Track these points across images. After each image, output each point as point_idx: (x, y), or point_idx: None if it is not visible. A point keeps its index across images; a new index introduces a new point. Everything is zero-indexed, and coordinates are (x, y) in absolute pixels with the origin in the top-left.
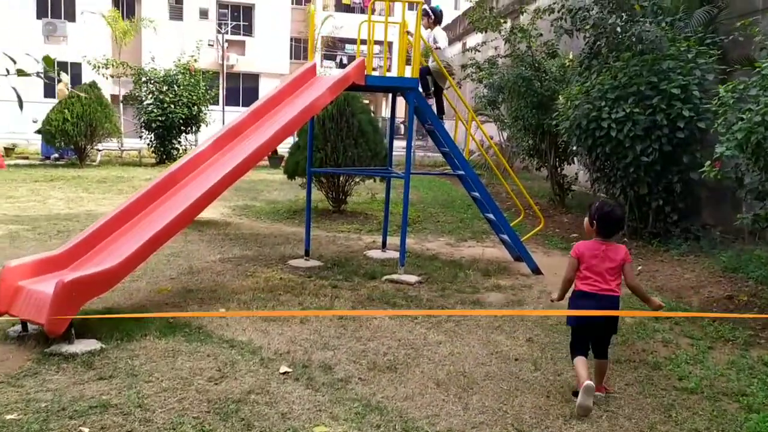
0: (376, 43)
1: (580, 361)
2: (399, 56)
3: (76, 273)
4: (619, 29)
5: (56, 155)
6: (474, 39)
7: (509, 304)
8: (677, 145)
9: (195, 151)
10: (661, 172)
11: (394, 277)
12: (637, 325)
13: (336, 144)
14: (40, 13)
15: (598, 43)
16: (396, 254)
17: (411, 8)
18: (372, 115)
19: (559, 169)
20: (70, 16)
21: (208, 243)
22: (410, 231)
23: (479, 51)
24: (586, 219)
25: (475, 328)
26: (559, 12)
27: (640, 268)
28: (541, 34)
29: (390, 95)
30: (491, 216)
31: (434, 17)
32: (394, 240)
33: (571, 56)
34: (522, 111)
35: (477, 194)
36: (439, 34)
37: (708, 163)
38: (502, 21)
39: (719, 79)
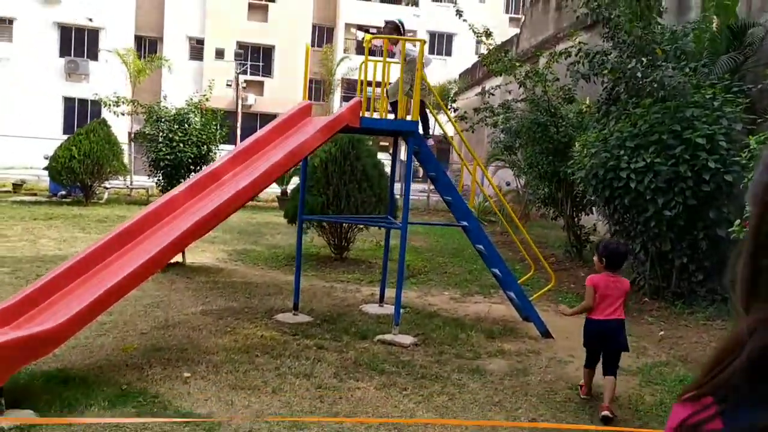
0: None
1: (588, 372)
2: (399, 97)
3: (10, 334)
4: (639, 74)
5: (63, 192)
6: (492, 83)
7: (513, 374)
8: (702, 198)
9: (169, 195)
10: (685, 227)
11: (387, 337)
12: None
13: (339, 188)
14: (63, 52)
15: (617, 88)
16: (393, 309)
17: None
18: (378, 158)
19: (576, 219)
20: (93, 55)
21: (194, 292)
22: (414, 282)
23: (494, 95)
24: (595, 257)
25: (471, 404)
26: (576, 56)
27: (662, 333)
28: (558, 79)
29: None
30: (497, 271)
31: (402, 30)
32: (394, 293)
33: (588, 102)
34: (537, 158)
35: (481, 247)
36: (416, 54)
37: (738, 222)
38: (518, 65)
39: (747, 130)
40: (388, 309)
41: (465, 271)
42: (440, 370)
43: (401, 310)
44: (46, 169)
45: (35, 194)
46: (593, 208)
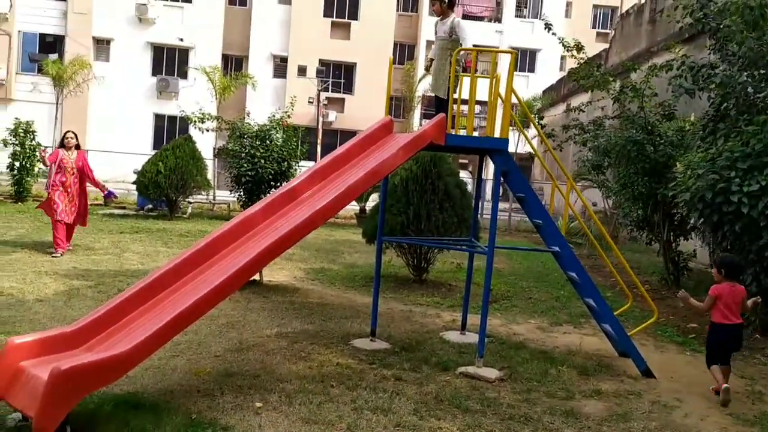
0: (478, 102)
1: (717, 368)
2: (488, 114)
3: (78, 359)
4: (751, 89)
5: (149, 206)
6: (578, 99)
7: (612, 419)
8: None
9: (245, 213)
10: None
11: (471, 370)
12: None
13: (419, 208)
14: (155, 70)
15: (726, 104)
16: (477, 338)
17: None
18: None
19: (674, 244)
20: (182, 74)
21: (270, 312)
22: (497, 309)
23: (583, 111)
24: (714, 269)
25: None
26: (678, 69)
27: None
28: (656, 94)
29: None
30: (591, 301)
31: (448, 1)
32: (477, 319)
33: (692, 118)
34: (631, 178)
35: (574, 274)
36: (461, 24)
37: None
38: (611, 79)
39: None
40: (471, 337)
41: (551, 297)
42: (529, 410)
43: (485, 340)
44: (134, 183)
45: (124, 207)
46: (693, 234)
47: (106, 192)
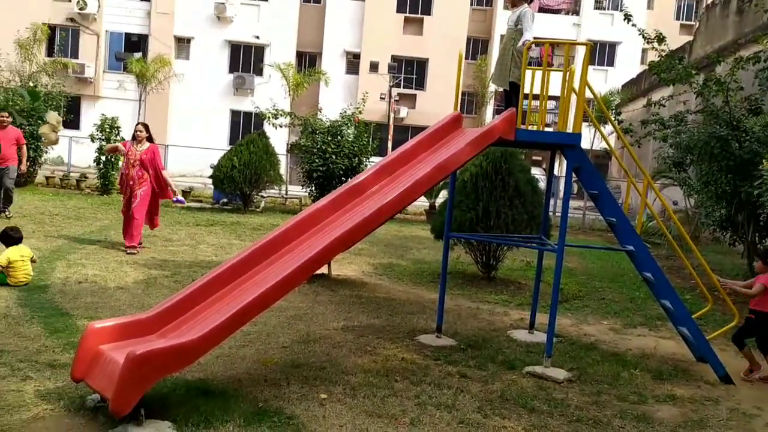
0: (551, 98)
1: (749, 349)
2: (561, 108)
3: (152, 344)
4: None
5: (224, 200)
6: (659, 94)
7: (687, 425)
8: None
9: (312, 207)
10: None
11: (538, 370)
12: None
13: (489, 204)
14: (232, 68)
15: None
16: (545, 338)
17: None
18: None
19: (759, 246)
20: (258, 71)
21: (337, 305)
22: (568, 309)
23: (664, 106)
24: (759, 262)
25: None
26: (766, 62)
27: None
28: (742, 88)
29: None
30: (668, 303)
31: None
32: (546, 319)
33: None
34: (714, 176)
35: (649, 275)
36: (526, 14)
37: None
38: (694, 73)
39: None
40: (539, 337)
41: (626, 298)
42: (599, 413)
43: (554, 339)
44: (210, 177)
45: (201, 201)
46: None
47: (174, 197)
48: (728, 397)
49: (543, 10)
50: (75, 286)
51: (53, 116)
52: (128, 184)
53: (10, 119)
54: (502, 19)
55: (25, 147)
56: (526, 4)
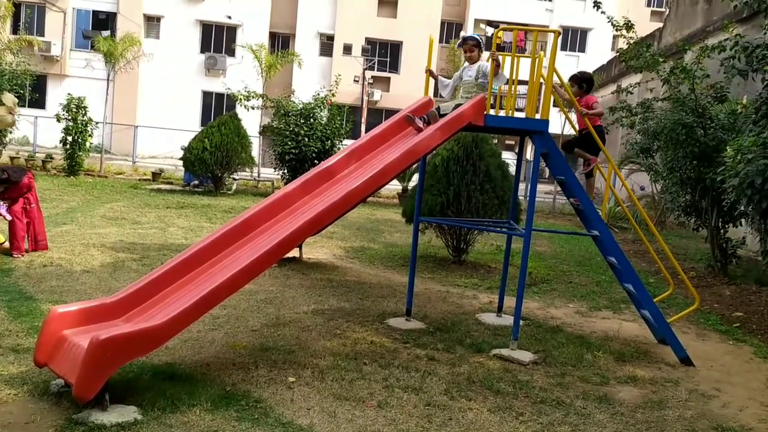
0: (521, 83)
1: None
2: (529, 94)
3: (117, 329)
4: None
5: (195, 182)
6: (629, 81)
7: (647, 406)
8: None
9: (282, 191)
10: None
11: (505, 352)
12: None
13: (460, 189)
14: (204, 48)
15: None
16: (512, 321)
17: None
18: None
19: (722, 231)
20: (230, 51)
21: (308, 289)
22: (536, 292)
23: (632, 93)
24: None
25: None
26: (731, 50)
27: None
28: (708, 75)
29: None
30: (630, 287)
31: (480, 49)
32: (514, 302)
33: (744, 101)
34: (679, 162)
35: (613, 259)
36: (487, 67)
37: None
38: (661, 60)
39: None
40: (507, 320)
41: (592, 282)
42: (562, 394)
43: (521, 323)
44: (181, 159)
45: (171, 183)
46: (743, 220)
47: None
48: (688, 378)
49: None
50: (40, 270)
51: (9, 98)
52: None
53: None
54: (476, 2)
55: None
56: (483, 60)
